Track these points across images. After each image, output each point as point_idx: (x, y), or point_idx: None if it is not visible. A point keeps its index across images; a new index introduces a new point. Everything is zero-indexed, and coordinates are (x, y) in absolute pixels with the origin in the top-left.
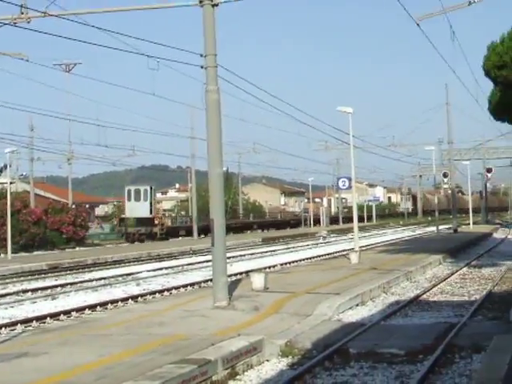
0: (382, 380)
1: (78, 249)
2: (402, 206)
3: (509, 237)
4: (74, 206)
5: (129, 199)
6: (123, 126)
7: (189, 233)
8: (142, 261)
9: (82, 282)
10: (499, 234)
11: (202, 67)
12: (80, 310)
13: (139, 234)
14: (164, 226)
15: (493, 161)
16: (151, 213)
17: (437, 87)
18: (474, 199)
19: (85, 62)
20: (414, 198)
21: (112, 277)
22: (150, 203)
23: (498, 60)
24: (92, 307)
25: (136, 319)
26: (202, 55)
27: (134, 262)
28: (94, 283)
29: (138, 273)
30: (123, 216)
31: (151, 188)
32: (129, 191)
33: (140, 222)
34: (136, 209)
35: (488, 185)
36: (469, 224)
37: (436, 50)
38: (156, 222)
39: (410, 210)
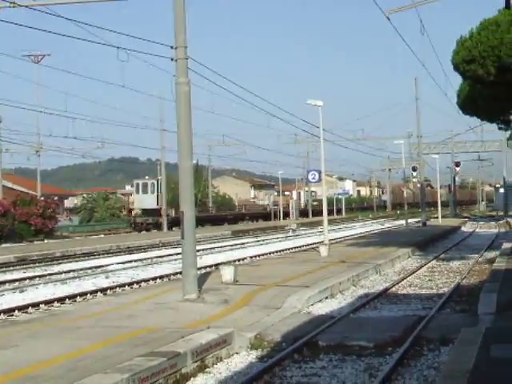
0: (350, 372)
1: (46, 241)
2: (382, 199)
3: (477, 230)
4: (42, 198)
5: (137, 192)
6: (92, 117)
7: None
8: (112, 253)
9: (50, 274)
10: (467, 228)
11: (172, 59)
12: (49, 302)
13: (147, 224)
14: (169, 216)
15: (461, 155)
16: (158, 204)
17: (407, 81)
18: (443, 193)
19: (54, 54)
20: (393, 192)
21: (81, 269)
22: (157, 196)
23: (467, 54)
24: (61, 300)
25: (105, 312)
26: (172, 47)
27: (104, 254)
28: (63, 276)
29: (108, 265)
30: (131, 207)
31: (157, 181)
32: (137, 184)
33: (147, 212)
34: (143, 200)
35: (456, 178)
36: (437, 217)
37: (406, 44)
38: (162, 212)
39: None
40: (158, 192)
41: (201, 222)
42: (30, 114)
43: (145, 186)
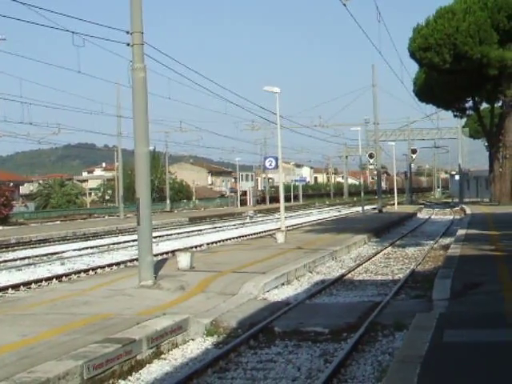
0: (306, 358)
1: (1, 228)
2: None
3: (432, 217)
4: None
5: (241, 180)
6: (48, 103)
7: (274, 200)
8: (68, 240)
9: (5, 261)
10: (423, 214)
11: (128, 45)
12: (3, 289)
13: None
14: (260, 196)
15: (417, 142)
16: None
17: (364, 68)
18: (400, 180)
19: (8, 38)
20: (387, 178)
21: (36, 256)
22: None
23: (424, 42)
24: (15, 287)
25: (60, 298)
26: (128, 32)
27: (60, 241)
28: (18, 262)
29: (63, 252)
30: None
31: (255, 173)
32: (241, 175)
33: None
34: (244, 185)
35: (413, 165)
36: (393, 204)
37: (363, 31)
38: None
39: (386, 189)
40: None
41: None
42: None
43: (247, 176)
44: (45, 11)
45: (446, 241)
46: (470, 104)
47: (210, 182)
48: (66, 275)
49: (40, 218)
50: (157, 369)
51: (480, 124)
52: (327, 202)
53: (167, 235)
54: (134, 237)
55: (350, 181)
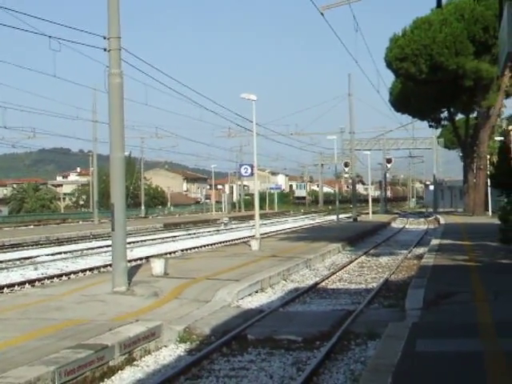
0: (278, 366)
1: None
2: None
3: (406, 226)
4: None
5: (296, 188)
6: (23, 107)
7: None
8: (41, 245)
9: None
10: (397, 224)
11: (105, 50)
12: None
13: (299, 204)
14: (309, 200)
15: (393, 151)
16: (305, 194)
17: (340, 77)
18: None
19: None
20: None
21: (9, 260)
22: (306, 190)
23: (400, 52)
24: None
25: (33, 304)
26: (105, 38)
27: (33, 245)
28: None
29: (37, 257)
30: (295, 195)
31: (306, 183)
32: (296, 185)
33: (299, 198)
34: (299, 192)
35: (387, 175)
36: (368, 213)
37: (339, 40)
38: (307, 197)
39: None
40: (305, 188)
41: None
42: None
43: (300, 185)
44: (21, 15)
45: (420, 250)
46: (445, 114)
47: (185, 189)
48: (39, 280)
49: (13, 223)
50: (129, 375)
51: (455, 135)
52: (302, 210)
53: (141, 241)
54: (108, 242)
55: (325, 189)
